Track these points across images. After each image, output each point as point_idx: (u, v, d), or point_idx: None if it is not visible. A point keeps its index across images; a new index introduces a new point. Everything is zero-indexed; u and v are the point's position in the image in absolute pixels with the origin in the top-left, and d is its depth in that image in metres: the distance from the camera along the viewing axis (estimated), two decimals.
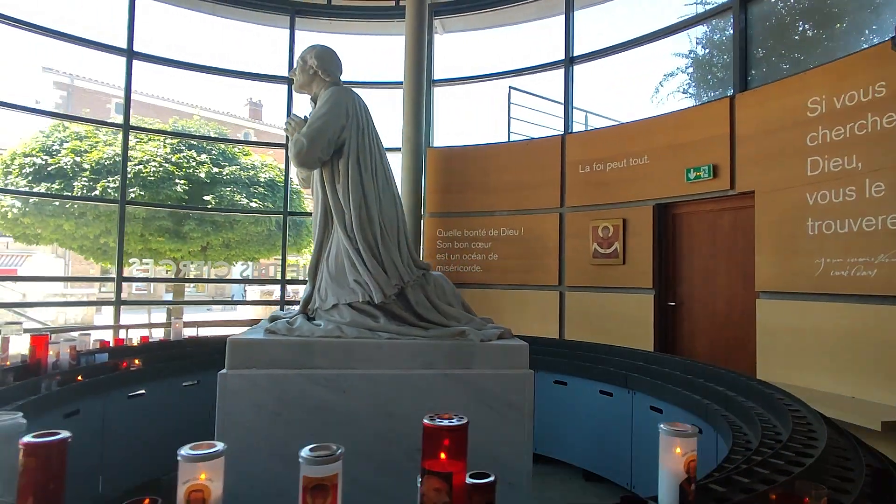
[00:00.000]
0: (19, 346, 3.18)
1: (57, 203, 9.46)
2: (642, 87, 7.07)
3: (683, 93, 7.18)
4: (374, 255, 2.72)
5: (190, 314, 16.54)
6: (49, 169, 9.49)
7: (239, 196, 10.67)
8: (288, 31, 7.28)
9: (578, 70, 6.79)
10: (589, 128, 7.14)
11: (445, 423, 1.08)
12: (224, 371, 2.40)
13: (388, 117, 7.61)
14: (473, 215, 7.07)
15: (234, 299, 23.99)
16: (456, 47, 8.21)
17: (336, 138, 2.75)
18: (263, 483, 2.27)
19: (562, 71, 6.82)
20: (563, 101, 6.81)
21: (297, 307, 2.88)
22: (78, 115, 16.15)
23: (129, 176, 9.87)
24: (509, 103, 7.50)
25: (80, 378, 2.83)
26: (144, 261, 9.70)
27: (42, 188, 9.35)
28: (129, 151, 10.33)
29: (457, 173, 7.21)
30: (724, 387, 2.93)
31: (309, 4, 7.30)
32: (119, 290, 6.62)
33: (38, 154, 9.58)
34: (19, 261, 22.50)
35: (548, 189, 6.60)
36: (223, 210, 10.35)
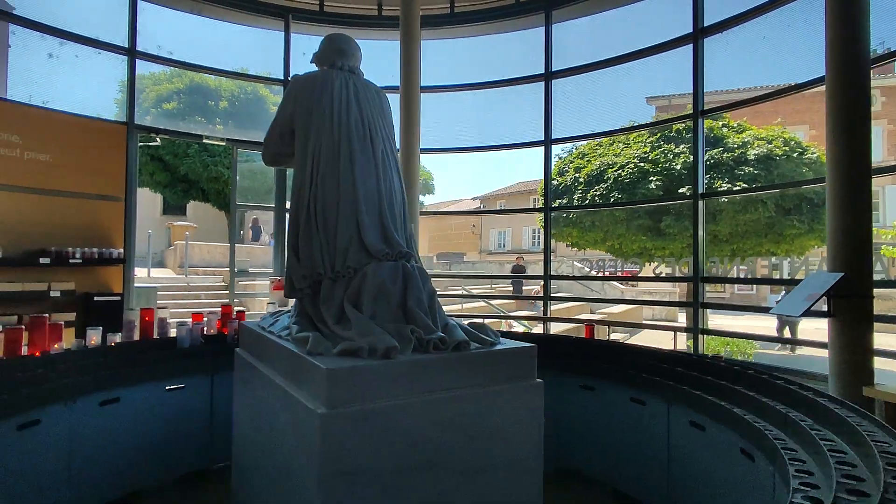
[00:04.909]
0: None
1: (564, 214, 11.49)
2: None
3: None
4: (293, 244, 2.36)
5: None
6: (560, 187, 11.63)
7: (720, 182, 9.22)
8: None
9: None
10: None
11: None
12: (238, 349, 2.77)
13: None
14: None
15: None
16: None
17: (288, 129, 2.59)
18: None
19: None
20: None
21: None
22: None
23: (608, 182, 10.69)
24: None
25: None
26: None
27: (555, 203, 11.59)
28: (615, 158, 11.15)
29: None
30: None
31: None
32: (696, 290, 6.21)
33: (555, 177, 12.00)
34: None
35: None
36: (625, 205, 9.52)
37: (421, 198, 25.89)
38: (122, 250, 6.24)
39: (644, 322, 15.66)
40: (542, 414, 2.07)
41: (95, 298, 5.88)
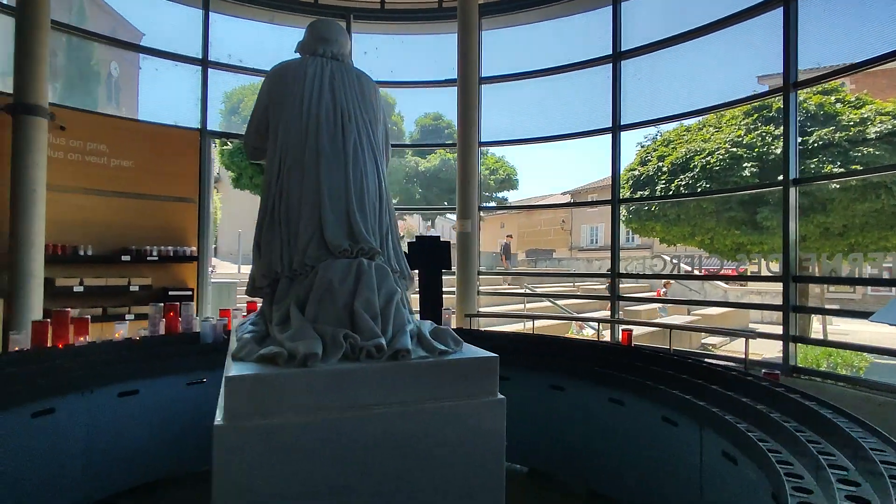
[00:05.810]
0: None
1: (646, 207, 10.54)
2: None
3: None
4: (257, 240, 2.24)
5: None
6: (641, 178, 10.70)
7: (830, 166, 7.87)
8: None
9: None
10: None
11: None
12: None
13: None
14: None
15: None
16: None
17: (264, 121, 2.48)
18: None
19: None
20: None
21: None
22: None
23: (695, 170, 9.65)
24: None
25: None
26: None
27: (637, 195, 10.68)
28: (703, 144, 10.01)
29: None
30: None
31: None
32: (787, 292, 5.25)
33: (636, 167, 11.04)
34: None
35: None
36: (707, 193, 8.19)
37: (504, 193, 25.44)
38: (195, 248, 6.69)
39: (749, 327, 14.11)
40: (504, 436, 1.78)
41: (170, 293, 6.35)
